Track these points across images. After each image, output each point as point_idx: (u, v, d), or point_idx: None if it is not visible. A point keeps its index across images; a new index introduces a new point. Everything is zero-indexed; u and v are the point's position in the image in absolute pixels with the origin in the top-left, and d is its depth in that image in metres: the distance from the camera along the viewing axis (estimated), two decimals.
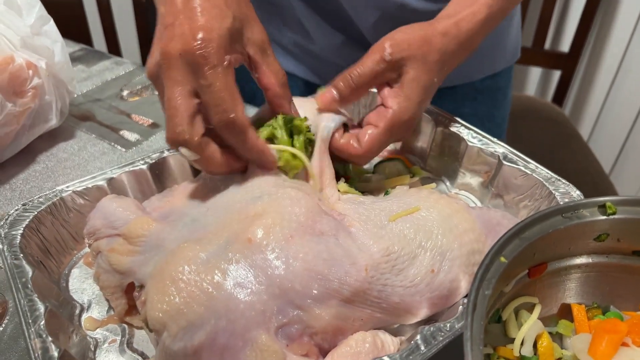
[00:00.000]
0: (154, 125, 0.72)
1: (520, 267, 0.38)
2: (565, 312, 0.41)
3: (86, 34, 1.25)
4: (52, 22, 0.64)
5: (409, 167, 0.58)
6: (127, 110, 0.75)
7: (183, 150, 0.41)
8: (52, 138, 0.68)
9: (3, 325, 0.45)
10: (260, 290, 0.37)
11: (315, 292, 0.37)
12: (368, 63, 0.48)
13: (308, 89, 0.79)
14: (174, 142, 0.41)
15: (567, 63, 1.31)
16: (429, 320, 0.42)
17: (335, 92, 0.49)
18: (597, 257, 0.40)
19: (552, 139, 1.23)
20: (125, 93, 0.80)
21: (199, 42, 0.39)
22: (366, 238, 0.40)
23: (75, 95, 0.77)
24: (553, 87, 1.40)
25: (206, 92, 0.40)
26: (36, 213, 0.47)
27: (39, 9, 0.62)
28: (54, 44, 0.64)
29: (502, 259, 0.34)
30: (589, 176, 1.11)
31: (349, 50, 0.71)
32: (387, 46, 0.48)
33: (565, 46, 1.38)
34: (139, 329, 0.44)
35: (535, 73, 1.55)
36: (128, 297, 0.44)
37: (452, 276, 0.41)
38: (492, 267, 0.33)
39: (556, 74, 1.40)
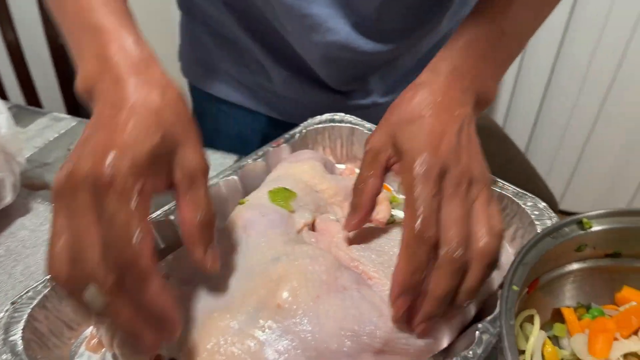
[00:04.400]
0: None
1: (523, 288, 0.42)
2: (556, 315, 0.47)
3: None
4: None
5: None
6: None
7: (91, 291, 0.32)
8: (7, 216, 0.63)
9: None
10: (298, 355, 0.38)
11: (347, 349, 0.39)
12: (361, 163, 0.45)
13: (271, 125, 0.80)
14: (78, 281, 0.32)
15: None
16: None
17: (356, 213, 0.44)
18: (578, 264, 0.46)
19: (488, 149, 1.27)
20: None
21: (108, 163, 0.33)
22: (385, 287, 0.42)
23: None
24: None
25: (105, 224, 0.32)
26: (30, 311, 0.44)
27: None
28: None
29: (514, 287, 0.38)
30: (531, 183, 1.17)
31: (308, 88, 0.73)
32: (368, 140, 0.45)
33: None
34: None
35: None
36: None
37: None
38: (509, 297, 0.37)
39: None
